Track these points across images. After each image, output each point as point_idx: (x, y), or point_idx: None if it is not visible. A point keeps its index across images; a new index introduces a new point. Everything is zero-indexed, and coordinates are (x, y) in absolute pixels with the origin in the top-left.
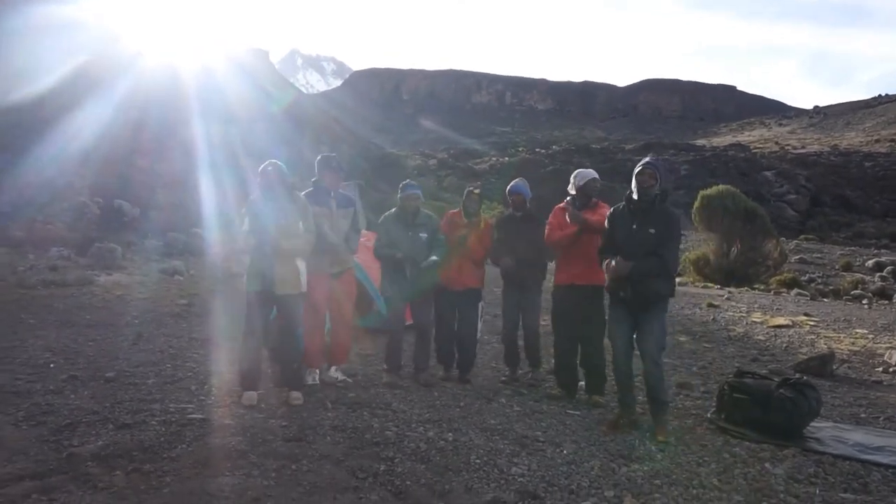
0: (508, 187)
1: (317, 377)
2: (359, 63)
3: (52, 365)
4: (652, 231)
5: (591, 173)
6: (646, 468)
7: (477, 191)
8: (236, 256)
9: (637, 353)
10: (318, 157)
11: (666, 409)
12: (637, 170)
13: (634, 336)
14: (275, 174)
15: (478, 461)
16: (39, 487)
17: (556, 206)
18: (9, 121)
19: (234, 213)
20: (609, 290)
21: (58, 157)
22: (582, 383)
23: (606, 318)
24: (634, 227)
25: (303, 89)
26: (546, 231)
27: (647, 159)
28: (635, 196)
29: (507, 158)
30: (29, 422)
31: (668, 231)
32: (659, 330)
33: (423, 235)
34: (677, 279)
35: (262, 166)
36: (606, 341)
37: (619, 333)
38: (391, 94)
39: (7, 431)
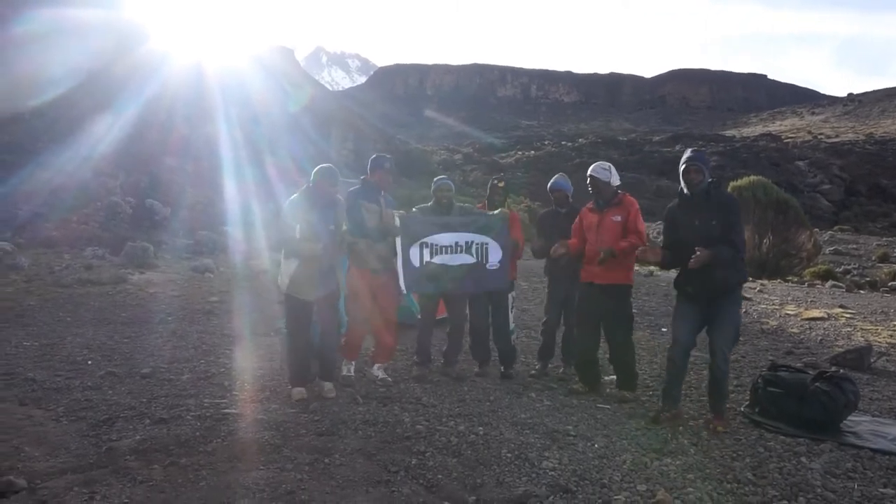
0: (550, 183)
1: (352, 369)
2: (383, 59)
3: (89, 362)
4: (714, 223)
5: (597, 168)
6: (678, 462)
7: (501, 183)
8: (284, 255)
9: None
10: (373, 156)
11: (725, 402)
12: (682, 168)
13: (704, 330)
14: (329, 180)
15: (509, 455)
16: (81, 481)
17: (584, 208)
18: (43, 123)
19: (260, 210)
20: (676, 286)
21: (90, 157)
22: (612, 377)
23: (633, 313)
24: (697, 222)
25: (328, 87)
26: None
27: (688, 154)
28: (686, 192)
29: (532, 152)
30: (69, 417)
31: (729, 217)
32: (732, 323)
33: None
34: None
35: (318, 170)
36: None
37: (682, 328)
38: (416, 89)
39: (48, 427)
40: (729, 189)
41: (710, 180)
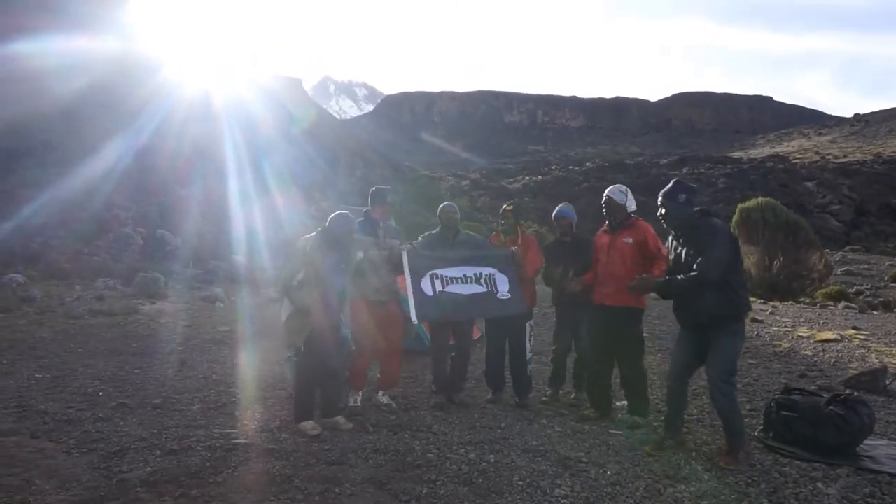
0: (554, 212)
1: (358, 399)
2: (390, 88)
3: (101, 393)
4: (692, 252)
5: (613, 190)
6: (692, 489)
7: (510, 207)
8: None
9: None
10: (373, 189)
11: (738, 439)
12: None
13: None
14: (344, 229)
15: (520, 483)
16: None
17: (599, 231)
18: (54, 155)
19: (269, 239)
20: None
21: (101, 189)
22: (624, 403)
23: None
24: (683, 251)
25: (336, 115)
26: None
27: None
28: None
29: (539, 177)
30: (80, 449)
31: (702, 244)
32: (724, 355)
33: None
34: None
35: (335, 218)
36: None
37: (676, 355)
38: (423, 116)
39: (59, 459)
40: (737, 211)
41: (695, 209)
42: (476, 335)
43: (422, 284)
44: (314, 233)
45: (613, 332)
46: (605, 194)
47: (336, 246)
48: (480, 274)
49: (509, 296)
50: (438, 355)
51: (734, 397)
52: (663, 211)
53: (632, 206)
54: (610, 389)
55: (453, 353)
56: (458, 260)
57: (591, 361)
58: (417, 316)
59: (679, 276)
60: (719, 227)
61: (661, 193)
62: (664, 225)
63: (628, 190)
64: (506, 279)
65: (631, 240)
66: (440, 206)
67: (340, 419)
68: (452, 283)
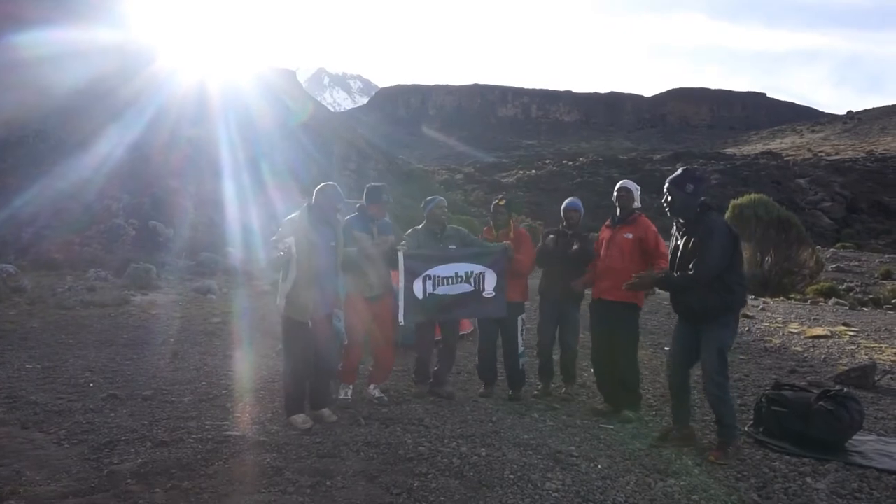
0: (564, 204)
1: (349, 393)
2: (385, 80)
3: (91, 384)
4: (690, 245)
5: (629, 183)
6: (682, 483)
7: (502, 201)
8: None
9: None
10: (368, 186)
11: (729, 433)
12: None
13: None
14: (331, 199)
15: (511, 476)
16: None
17: (603, 226)
18: (47, 146)
19: (262, 230)
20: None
21: (93, 179)
22: None
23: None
24: (683, 243)
25: (330, 108)
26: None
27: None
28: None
29: (533, 171)
30: (71, 440)
31: (702, 240)
32: (714, 346)
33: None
34: None
35: (320, 188)
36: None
37: (672, 347)
38: (417, 109)
39: (50, 450)
40: (730, 207)
41: (701, 199)
42: (468, 328)
43: (414, 287)
44: (298, 211)
45: (610, 326)
46: (621, 185)
47: (325, 220)
48: (471, 272)
49: (493, 294)
50: (422, 348)
51: (727, 390)
52: (669, 198)
53: (637, 203)
54: (618, 383)
55: (440, 346)
56: (453, 258)
57: (595, 357)
58: (405, 318)
59: (676, 275)
60: (718, 226)
61: (668, 179)
62: (667, 213)
63: (639, 188)
64: (494, 277)
65: (631, 235)
66: (426, 199)
67: (326, 411)
68: (443, 283)
